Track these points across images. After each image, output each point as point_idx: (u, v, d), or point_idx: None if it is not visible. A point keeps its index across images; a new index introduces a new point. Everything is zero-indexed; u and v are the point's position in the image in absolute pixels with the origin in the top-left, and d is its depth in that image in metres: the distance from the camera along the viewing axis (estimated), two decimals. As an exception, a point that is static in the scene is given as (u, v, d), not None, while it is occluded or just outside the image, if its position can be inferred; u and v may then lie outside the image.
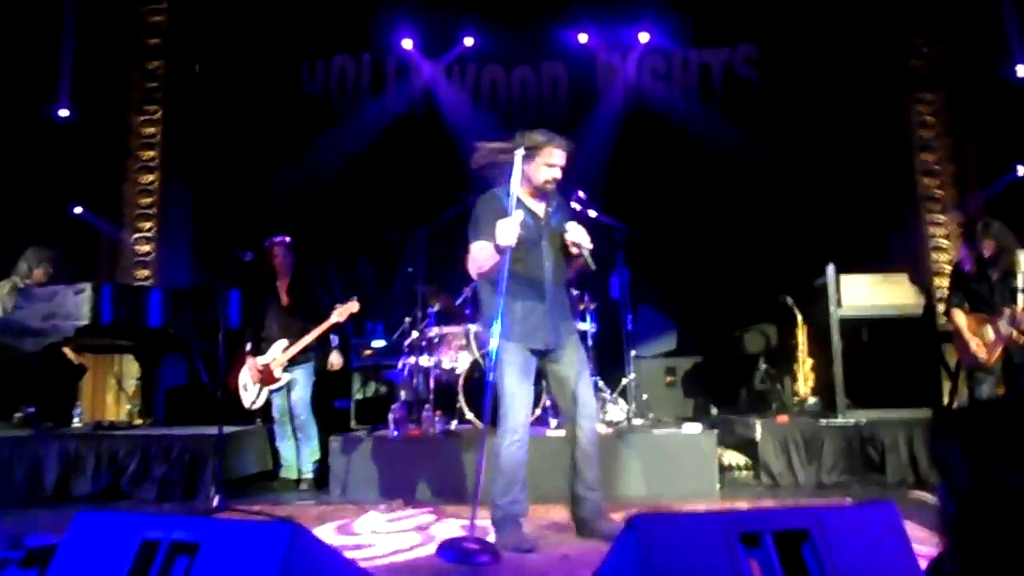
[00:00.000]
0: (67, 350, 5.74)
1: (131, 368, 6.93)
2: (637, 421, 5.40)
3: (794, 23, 7.24)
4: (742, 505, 4.14)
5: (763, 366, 5.50)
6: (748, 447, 5.05)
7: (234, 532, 1.74)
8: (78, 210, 7.07)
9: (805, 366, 5.04)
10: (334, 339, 5.05)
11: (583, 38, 7.82)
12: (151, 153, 7.51)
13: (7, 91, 6.75)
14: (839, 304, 5.04)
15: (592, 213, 5.50)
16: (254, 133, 7.53)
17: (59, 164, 7.00)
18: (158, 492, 4.79)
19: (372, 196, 7.55)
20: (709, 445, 4.76)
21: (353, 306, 4.94)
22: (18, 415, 5.37)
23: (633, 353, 5.71)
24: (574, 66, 7.99)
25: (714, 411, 6.42)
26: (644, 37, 7.71)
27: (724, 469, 4.89)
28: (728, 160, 7.08)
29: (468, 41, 7.80)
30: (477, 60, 8.00)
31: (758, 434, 4.84)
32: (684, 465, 4.68)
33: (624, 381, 5.82)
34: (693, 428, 4.94)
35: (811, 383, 5.03)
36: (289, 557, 1.67)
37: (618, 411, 5.69)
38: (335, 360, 5.06)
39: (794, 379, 5.13)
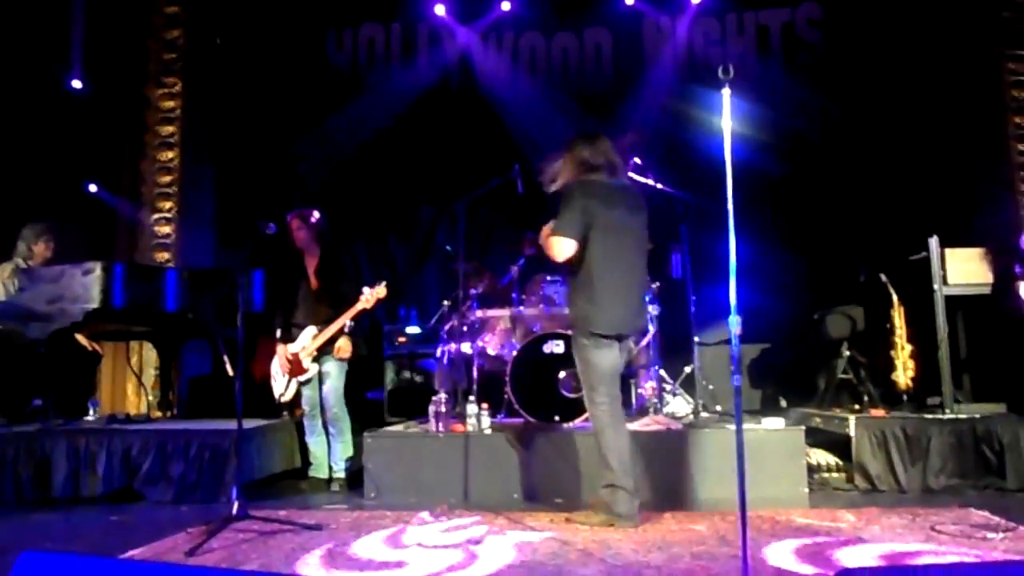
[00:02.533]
0: (80, 336, 5.28)
1: (151, 356, 6.49)
2: (704, 415, 4.83)
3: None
4: (844, 515, 3.53)
5: (847, 353, 4.85)
6: (837, 445, 4.43)
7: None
8: (93, 188, 6.61)
9: (904, 353, 4.39)
10: (348, 324, 4.49)
11: (629, 0, 7.21)
12: (170, 128, 7.04)
13: (17, 60, 6.30)
14: (945, 282, 4.39)
15: (650, 182, 4.93)
16: (278, 107, 7.05)
17: (73, 139, 6.54)
18: (175, 493, 4.33)
19: (403, 171, 7.04)
20: (795, 442, 4.16)
21: (381, 291, 4.41)
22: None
23: (697, 339, 5.12)
24: (619, 31, 7.44)
25: (783, 403, 5.80)
26: (696, -1, 7.11)
27: (811, 470, 4.28)
28: (795, 129, 6.43)
29: (505, 6, 7.26)
30: (515, 27, 7.46)
31: (852, 430, 4.21)
32: (767, 466, 4.07)
33: (687, 370, 5.24)
34: (775, 423, 4.33)
35: (911, 372, 4.38)
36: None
37: (683, 404, 5.12)
38: (343, 345, 4.48)
39: (888, 368, 4.48)
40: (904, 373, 4.39)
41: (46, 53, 6.48)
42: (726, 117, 2.45)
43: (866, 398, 4.65)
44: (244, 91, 7.08)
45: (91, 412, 5.24)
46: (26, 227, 5.09)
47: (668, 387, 5.21)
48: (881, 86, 6.50)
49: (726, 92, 2.44)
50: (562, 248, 3.42)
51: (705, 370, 5.16)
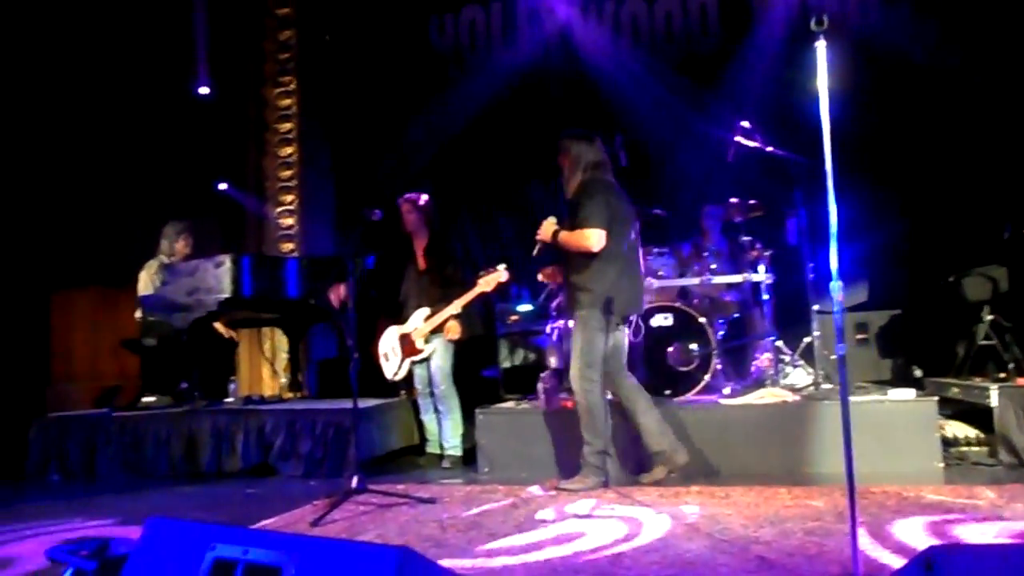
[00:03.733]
0: (218, 325, 5.72)
1: (283, 342, 6.92)
2: (826, 386, 4.59)
3: None
4: (983, 492, 3.27)
5: (989, 317, 4.45)
6: (978, 417, 4.09)
7: (328, 556, 1.26)
8: (223, 186, 7.10)
9: (1055, 314, 3.98)
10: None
11: (736, -47, 6.86)
12: (288, 125, 7.43)
13: (149, 70, 6.85)
14: (1103, 235, 3.94)
15: (759, 145, 4.70)
16: (388, 95, 7.25)
17: (204, 141, 7.04)
18: (305, 468, 4.63)
19: (508, 150, 7.06)
20: (927, 414, 3.88)
21: (501, 275, 4.48)
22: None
23: (816, 307, 4.86)
24: (725, -11, 7.05)
25: (918, 373, 5.39)
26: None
27: (948, 444, 3.98)
28: (929, 75, 5.85)
29: (606, -26, 7.07)
30: (616, -4, 7.25)
31: (994, 401, 3.87)
32: (895, 440, 3.84)
33: (806, 340, 5.00)
34: (903, 394, 4.06)
35: (1062, 336, 3.97)
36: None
37: (802, 375, 4.90)
38: (452, 327, 4.59)
39: (1037, 332, 4.08)
40: (1054, 337, 3.98)
41: (175, 63, 7.00)
42: (822, 71, 2.30)
43: (1011, 365, 4.26)
44: (355, 83, 7.33)
45: (231, 394, 5.68)
46: (167, 225, 5.54)
47: (786, 358, 4.99)
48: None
49: (821, 44, 2.29)
50: (598, 239, 3.70)
51: (826, 339, 4.89)
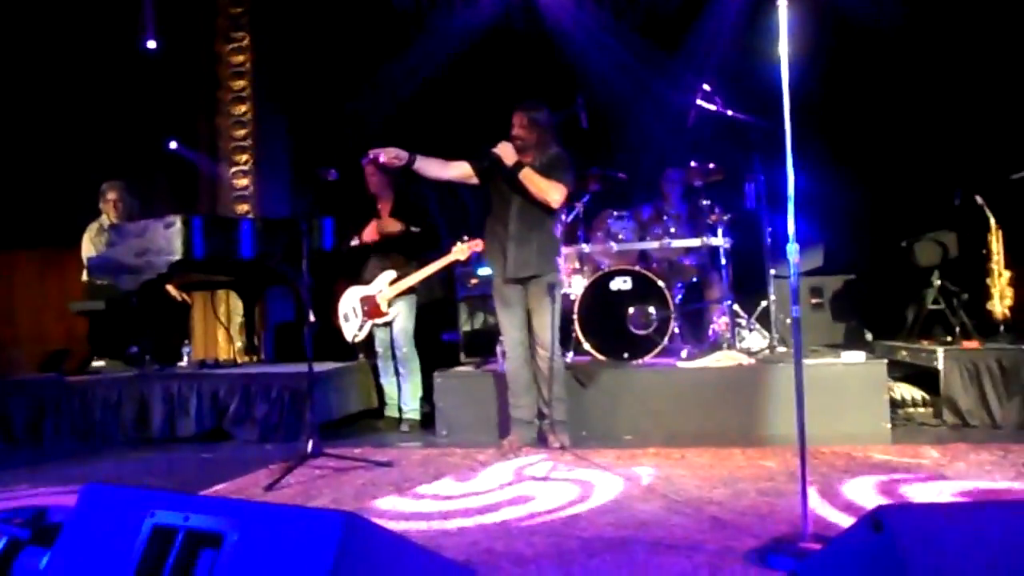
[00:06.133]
0: (170, 287, 5.57)
1: (238, 305, 6.78)
2: (781, 349, 4.67)
3: None
4: (928, 451, 3.37)
5: (938, 282, 4.54)
6: (925, 379, 4.21)
7: (272, 522, 1.23)
8: (173, 145, 6.87)
9: (1002, 280, 4.07)
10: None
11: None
12: (242, 83, 7.18)
13: (94, 24, 6.53)
14: (1050, 201, 4.03)
15: (720, 109, 4.69)
16: (345, 54, 7.03)
17: (152, 99, 6.78)
18: (260, 433, 4.56)
19: (466, 112, 6.93)
20: (877, 377, 3.98)
21: (477, 244, 4.42)
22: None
23: (773, 272, 4.92)
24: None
25: (869, 336, 5.52)
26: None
27: (896, 405, 4.08)
28: (884, 41, 5.85)
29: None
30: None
31: (940, 363, 3.98)
32: (846, 401, 3.93)
33: (763, 304, 5.06)
34: (855, 357, 4.14)
35: (1008, 300, 4.08)
36: (343, 560, 1.14)
37: (758, 339, 4.97)
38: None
39: (984, 297, 4.18)
40: (1001, 302, 4.09)
41: (122, 16, 6.68)
42: (783, 33, 2.27)
43: (958, 329, 4.37)
44: (310, 40, 7.10)
45: (184, 358, 5.56)
46: (104, 184, 5.36)
47: (743, 322, 5.05)
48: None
49: (783, 6, 2.26)
50: (562, 197, 3.77)
51: (782, 303, 4.96)
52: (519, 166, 3.72)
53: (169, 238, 4.79)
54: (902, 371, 4.51)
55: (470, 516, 2.67)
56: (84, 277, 5.32)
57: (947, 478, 2.91)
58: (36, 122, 6.74)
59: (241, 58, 7.21)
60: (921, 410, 4.16)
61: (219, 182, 7.18)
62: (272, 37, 7.19)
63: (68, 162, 6.70)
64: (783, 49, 2.27)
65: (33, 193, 6.84)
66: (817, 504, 2.58)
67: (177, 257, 4.79)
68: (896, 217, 5.46)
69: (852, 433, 3.73)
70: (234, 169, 7.16)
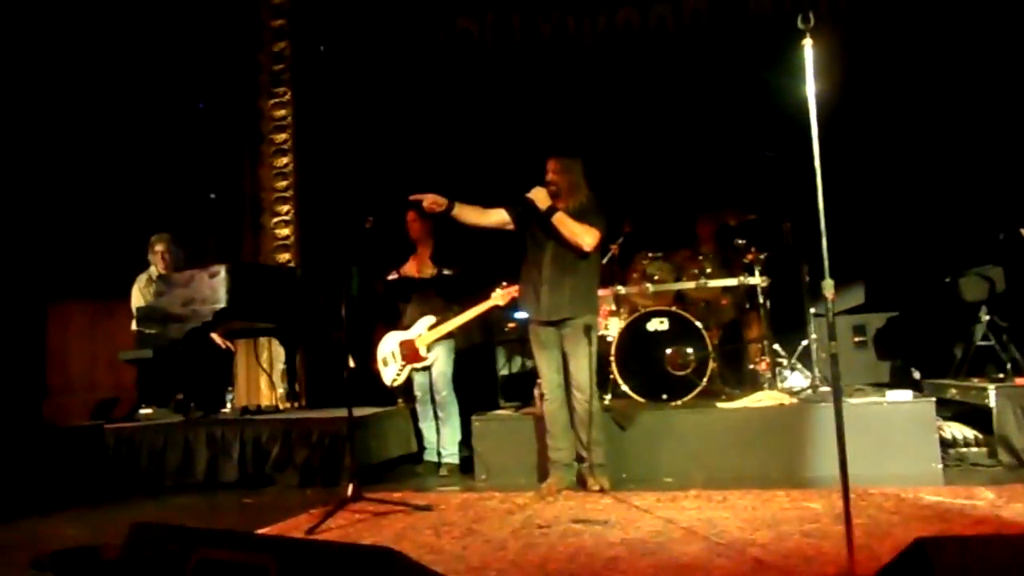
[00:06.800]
0: (215, 335, 5.71)
1: (280, 352, 6.90)
2: (823, 389, 4.58)
3: None
4: (982, 492, 3.25)
5: (986, 317, 4.44)
6: (976, 418, 4.07)
7: (316, 558, 1.25)
8: (212, 196, 7.13)
9: (1051, 314, 3.97)
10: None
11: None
12: (283, 136, 7.42)
13: (144, 84, 6.87)
14: (1101, 234, 3.94)
15: (754, 148, 4.73)
16: (384, 106, 7.24)
17: (198, 153, 7.06)
18: (301, 478, 4.61)
19: (507, 162, 7.05)
20: (925, 415, 3.88)
21: (515, 290, 4.48)
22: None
23: (812, 310, 4.87)
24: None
25: (917, 375, 5.39)
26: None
27: (947, 445, 3.96)
28: (926, 74, 5.76)
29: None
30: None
31: (992, 401, 3.86)
32: (894, 441, 3.83)
33: (803, 343, 4.99)
34: (901, 395, 4.04)
35: (1060, 335, 3.96)
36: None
37: (800, 378, 4.89)
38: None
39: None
40: (1052, 336, 3.97)
41: (170, 74, 7.02)
42: (809, 71, 2.30)
43: (1009, 365, 4.25)
44: (350, 93, 7.34)
45: (227, 405, 5.66)
46: (152, 237, 5.57)
47: (784, 361, 4.98)
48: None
49: (807, 42, 2.29)
50: (595, 241, 3.82)
51: (823, 342, 4.87)
52: (552, 210, 3.78)
53: (214, 287, 4.93)
54: (951, 410, 4.38)
55: (510, 561, 2.65)
56: (133, 327, 5.49)
57: (1003, 519, 2.81)
58: (89, 177, 7.06)
59: (283, 112, 7.45)
60: (974, 450, 4.02)
61: (263, 233, 7.37)
62: (313, 91, 7.45)
63: (119, 216, 6.98)
64: (810, 86, 2.30)
65: (86, 246, 7.12)
66: (864, 546, 2.51)
67: (221, 305, 4.93)
68: (939, 252, 5.36)
69: (901, 474, 3.63)
70: (276, 219, 7.36)
